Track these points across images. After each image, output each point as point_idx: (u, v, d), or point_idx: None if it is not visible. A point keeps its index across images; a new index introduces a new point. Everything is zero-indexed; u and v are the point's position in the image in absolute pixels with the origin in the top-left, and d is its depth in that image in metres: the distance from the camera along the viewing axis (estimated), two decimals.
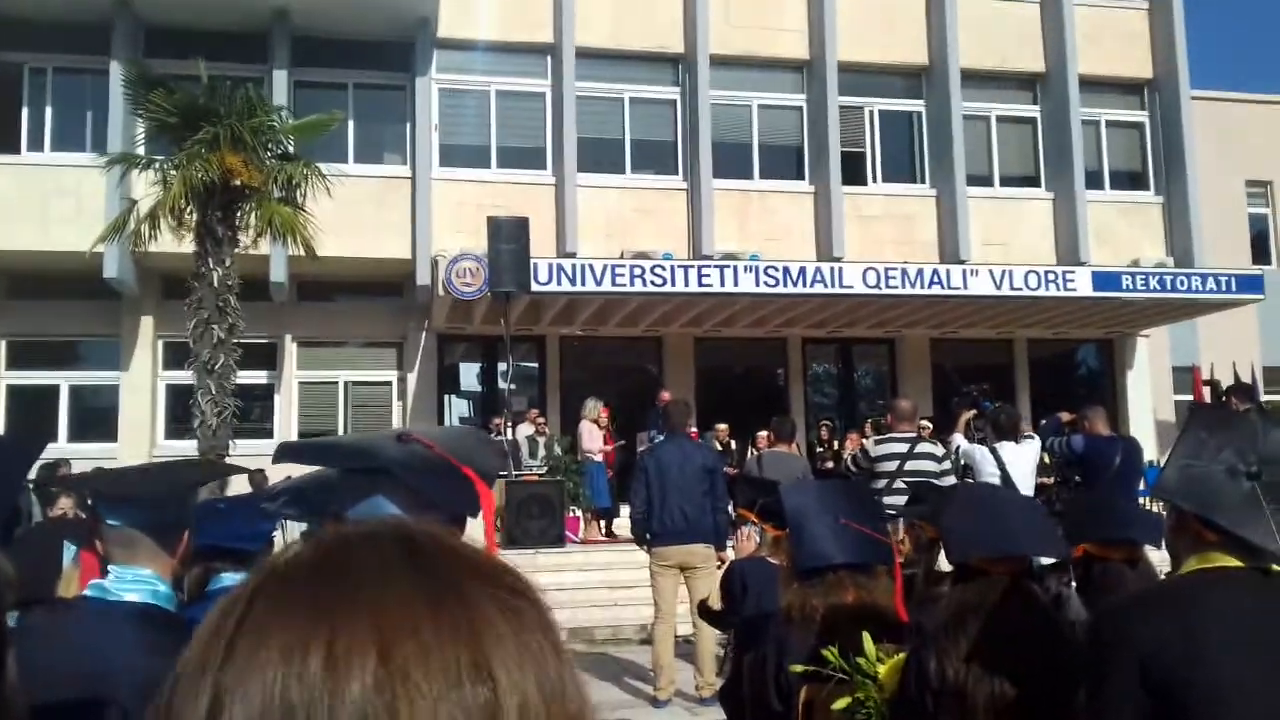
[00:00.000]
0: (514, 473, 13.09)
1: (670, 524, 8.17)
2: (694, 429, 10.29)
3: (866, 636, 2.93)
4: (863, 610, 3.18)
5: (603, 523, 14.98)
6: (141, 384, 16.63)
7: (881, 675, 2.87)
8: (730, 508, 10.08)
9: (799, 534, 3.35)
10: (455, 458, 1.65)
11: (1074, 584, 3.64)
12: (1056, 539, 2.83)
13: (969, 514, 2.68)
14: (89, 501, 2.22)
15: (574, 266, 14.86)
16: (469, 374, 18.68)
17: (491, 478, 1.74)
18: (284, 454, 1.74)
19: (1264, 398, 17.12)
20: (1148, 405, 19.38)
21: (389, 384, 17.67)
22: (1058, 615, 2.71)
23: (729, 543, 6.61)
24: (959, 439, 8.72)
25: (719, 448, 13.73)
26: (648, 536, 8.30)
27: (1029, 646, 2.48)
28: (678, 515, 8.14)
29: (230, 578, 3.28)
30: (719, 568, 7.03)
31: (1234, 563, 2.09)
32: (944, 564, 3.86)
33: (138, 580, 2.05)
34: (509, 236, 12.67)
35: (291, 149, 13.55)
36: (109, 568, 2.10)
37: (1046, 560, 3.62)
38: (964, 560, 2.64)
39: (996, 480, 7.54)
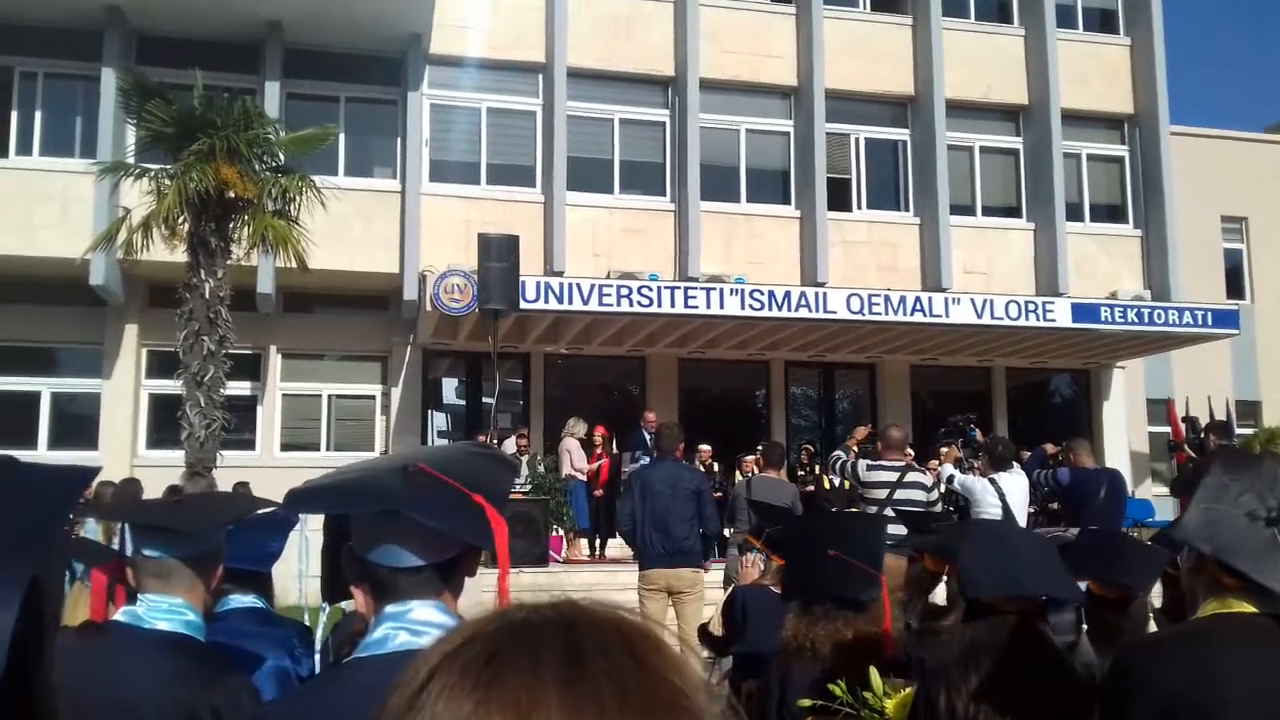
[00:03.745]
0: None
1: (656, 546, 8.15)
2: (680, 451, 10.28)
3: (873, 670, 2.94)
4: (866, 644, 3.18)
5: (584, 542, 14.95)
6: (124, 392, 16.49)
7: (889, 710, 2.87)
8: (726, 531, 10.10)
9: (788, 565, 3.37)
10: (465, 485, 1.64)
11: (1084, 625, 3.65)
12: (1072, 582, 2.84)
13: (987, 551, 2.69)
14: (122, 530, 2.21)
15: (561, 285, 14.86)
16: (453, 389, 18.62)
17: (504, 501, 1.73)
18: (294, 502, 1.73)
19: (1237, 432, 17.29)
20: (1123, 436, 19.53)
21: (373, 398, 17.59)
22: (1069, 656, 2.72)
23: (723, 568, 6.59)
24: (949, 469, 8.75)
25: (702, 470, 13.73)
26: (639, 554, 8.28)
27: (1041, 687, 2.49)
28: (664, 538, 8.11)
29: (239, 600, 3.27)
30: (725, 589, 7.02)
31: (1250, 608, 2.12)
32: (940, 598, 3.87)
33: (172, 609, 2.05)
34: (499, 254, 12.67)
35: (283, 161, 13.53)
36: (141, 596, 2.09)
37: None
38: (980, 597, 2.66)
39: (998, 512, 7.57)
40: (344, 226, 15.48)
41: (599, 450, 14.99)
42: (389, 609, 1.61)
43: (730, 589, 5.72)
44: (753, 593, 4.86)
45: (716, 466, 15.60)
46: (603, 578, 12.23)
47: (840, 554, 3.24)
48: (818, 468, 16.14)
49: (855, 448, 8.84)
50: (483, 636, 0.70)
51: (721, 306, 15.23)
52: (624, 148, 18.10)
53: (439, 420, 18.14)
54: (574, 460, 14.60)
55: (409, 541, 1.60)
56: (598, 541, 15.10)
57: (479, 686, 0.66)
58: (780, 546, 4.32)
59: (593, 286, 14.93)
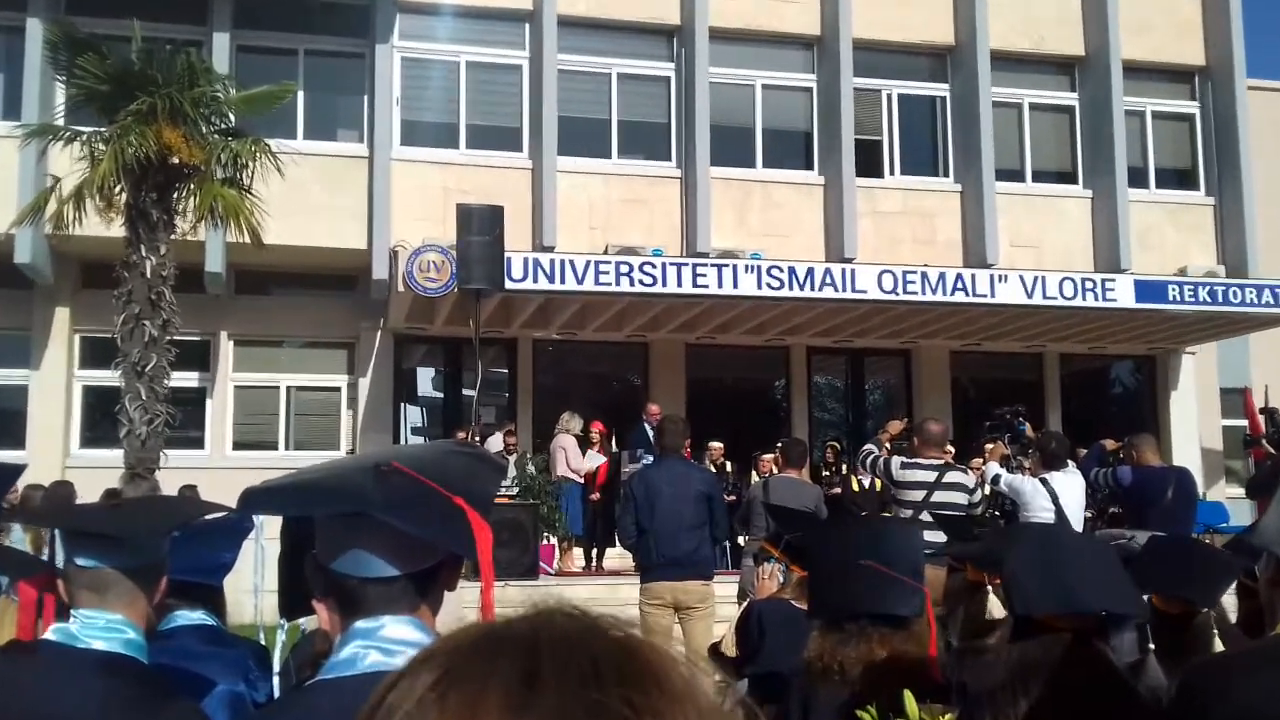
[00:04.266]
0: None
1: (661, 557, 8.15)
2: (687, 449, 10.29)
3: (909, 695, 2.94)
4: (900, 665, 3.19)
5: (579, 551, 14.97)
6: (54, 384, 16.50)
7: None
8: (740, 539, 10.11)
9: (813, 577, 3.37)
10: (444, 486, 1.64)
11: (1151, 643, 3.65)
12: (1135, 595, 2.84)
13: (1037, 560, 2.69)
14: (52, 538, 2.21)
15: (552, 262, 14.85)
16: (429, 381, 18.63)
17: (488, 505, 1.73)
18: (250, 503, 1.73)
19: None
20: (1193, 430, 19.53)
21: (338, 389, 17.63)
22: (1131, 678, 2.73)
23: (737, 580, 6.61)
24: (994, 468, 8.75)
25: (712, 470, 13.76)
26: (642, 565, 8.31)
27: (1099, 712, 2.50)
28: (670, 547, 8.11)
29: (185, 616, 3.27)
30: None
31: None
32: (995, 610, 3.87)
33: (109, 627, 2.05)
34: (481, 227, 12.65)
35: (234, 123, 13.52)
36: (74, 612, 2.09)
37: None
38: (1029, 614, 2.66)
39: (1049, 516, 7.58)
40: (304, 196, 15.46)
41: (597, 447, 15.00)
42: (358, 625, 1.61)
43: (745, 604, 5.73)
44: (771, 608, 4.86)
45: (729, 466, 15.63)
46: (601, 591, 12.25)
47: (874, 564, 3.23)
48: (845, 467, 16.15)
49: (888, 444, 8.85)
50: (440, 655, 0.73)
51: (735, 285, 15.21)
52: (623, 106, 18.06)
53: (413, 415, 18.16)
54: (569, 459, 14.62)
55: (381, 548, 1.60)
56: (594, 551, 15.13)
57: (425, 710, 0.70)
58: (802, 555, 4.32)
59: (588, 263, 14.92)
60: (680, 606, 8.20)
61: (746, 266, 15.41)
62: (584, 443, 14.99)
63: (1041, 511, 7.77)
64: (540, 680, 0.70)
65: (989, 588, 3.88)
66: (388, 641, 1.58)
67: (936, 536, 5.35)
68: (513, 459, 14.54)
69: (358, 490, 1.61)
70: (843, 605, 3.15)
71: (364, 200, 16.56)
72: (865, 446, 9.00)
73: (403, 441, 17.18)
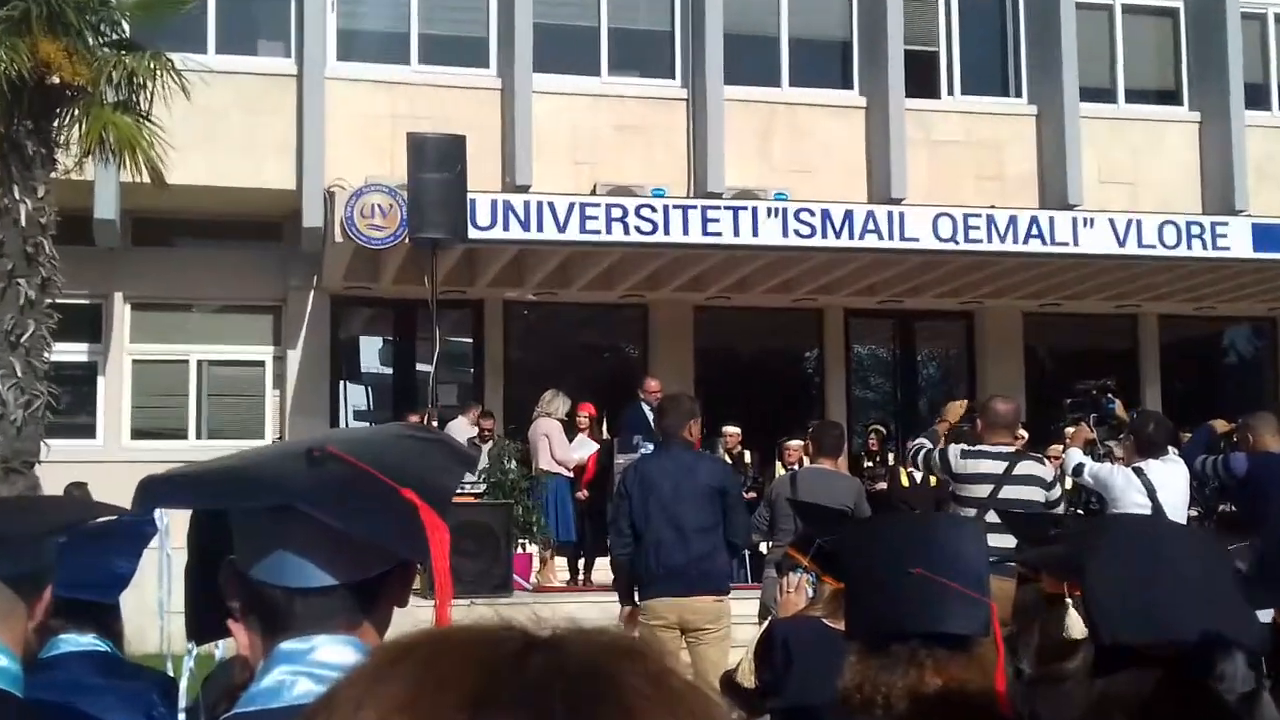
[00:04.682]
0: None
1: (663, 567, 8.17)
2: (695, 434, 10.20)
3: None
4: (959, 696, 3.20)
5: (562, 561, 15.00)
6: None
7: None
8: (762, 545, 10.11)
9: (852, 589, 3.38)
10: (392, 476, 1.64)
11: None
12: (1250, 619, 2.81)
13: (1124, 571, 2.69)
14: None
15: (527, 205, 14.83)
16: (374, 352, 18.64)
17: (446, 500, 1.73)
18: (150, 495, 1.72)
19: None
20: None
21: (261, 364, 17.66)
22: (1245, 716, 2.74)
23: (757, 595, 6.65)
24: (1077, 456, 8.77)
25: (726, 460, 13.76)
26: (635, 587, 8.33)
27: None
28: (674, 554, 8.14)
29: (74, 641, 3.28)
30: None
31: None
32: (1076, 628, 3.88)
33: None
34: (437, 162, 12.63)
35: (129, 34, 13.47)
36: None
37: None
38: (1114, 642, 2.66)
39: (1146, 513, 7.62)
40: (218, 125, 15.45)
41: (586, 433, 15.04)
42: (284, 646, 1.61)
43: (767, 623, 5.75)
44: (798, 628, 4.88)
45: (748, 456, 15.64)
46: (590, 611, 12.29)
47: (927, 572, 3.24)
48: (891, 456, 16.16)
49: (946, 429, 8.86)
50: (368, 675, 0.73)
51: (755, 233, 15.20)
52: (615, 10, 18.03)
53: (356, 396, 18.19)
54: (554, 449, 14.63)
55: (314, 552, 1.60)
56: (581, 561, 15.18)
57: None
58: (836, 563, 4.33)
59: (572, 207, 14.90)
60: (687, 628, 8.20)
61: (769, 210, 15.38)
62: (570, 429, 15.00)
63: (1135, 508, 7.80)
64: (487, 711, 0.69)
65: (1069, 601, 3.89)
66: (321, 666, 1.59)
67: (1006, 540, 5.37)
68: (487, 448, 14.55)
69: (284, 478, 1.61)
70: (888, 622, 3.15)
71: (292, 130, 16.52)
72: (915, 441, 9.01)
73: (344, 426, 17.20)
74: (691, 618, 8.19)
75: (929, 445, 8.56)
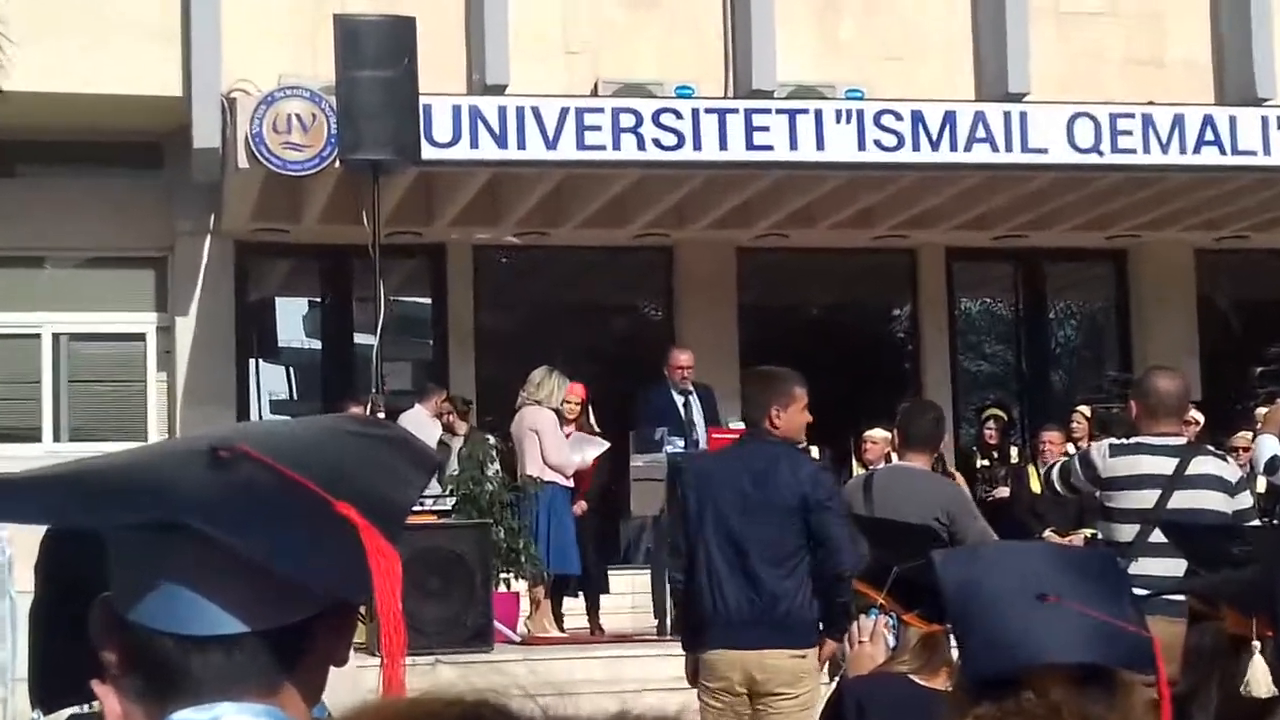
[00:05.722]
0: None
1: (721, 608, 8.24)
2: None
3: None
4: None
5: (553, 603, 15.11)
6: None
7: None
8: None
9: (969, 625, 3.40)
10: (323, 484, 1.65)
11: None
12: None
13: None
14: None
15: (503, 112, 14.92)
16: (297, 318, 18.73)
17: (399, 518, 1.73)
18: None
19: None
20: None
21: (140, 337, 17.80)
22: None
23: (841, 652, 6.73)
24: (1271, 446, 8.81)
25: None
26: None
27: None
28: (736, 592, 8.20)
29: None
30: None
31: None
32: (1258, 684, 3.92)
33: None
34: (377, 56, 12.70)
35: None
36: None
37: None
38: None
39: None
40: (74, 12, 15.53)
41: (574, 421, 15.13)
42: (177, 717, 1.63)
43: (836, 681, 5.81)
44: (875, 687, 4.93)
45: (815, 453, 15.69)
46: (597, 671, 12.37)
47: (1060, 599, 3.27)
48: (1015, 451, 16.20)
49: (1087, 417, 8.91)
50: None
51: (820, 146, 15.30)
52: None
53: (272, 378, 18.30)
54: (547, 449, 14.70)
55: (217, 588, 1.61)
56: (584, 601, 15.26)
57: None
58: (922, 598, 4.36)
59: (565, 113, 15.00)
60: (757, 692, 8.28)
61: (839, 113, 15.45)
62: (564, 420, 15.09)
63: None
64: None
65: (1255, 645, 3.92)
66: None
67: (1177, 567, 5.37)
68: (458, 448, 14.63)
69: (177, 486, 1.61)
70: (1011, 654, 3.17)
71: (176, 12, 16.60)
72: (1047, 433, 9.04)
73: (257, 418, 17.30)
74: (762, 678, 8.28)
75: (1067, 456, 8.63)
